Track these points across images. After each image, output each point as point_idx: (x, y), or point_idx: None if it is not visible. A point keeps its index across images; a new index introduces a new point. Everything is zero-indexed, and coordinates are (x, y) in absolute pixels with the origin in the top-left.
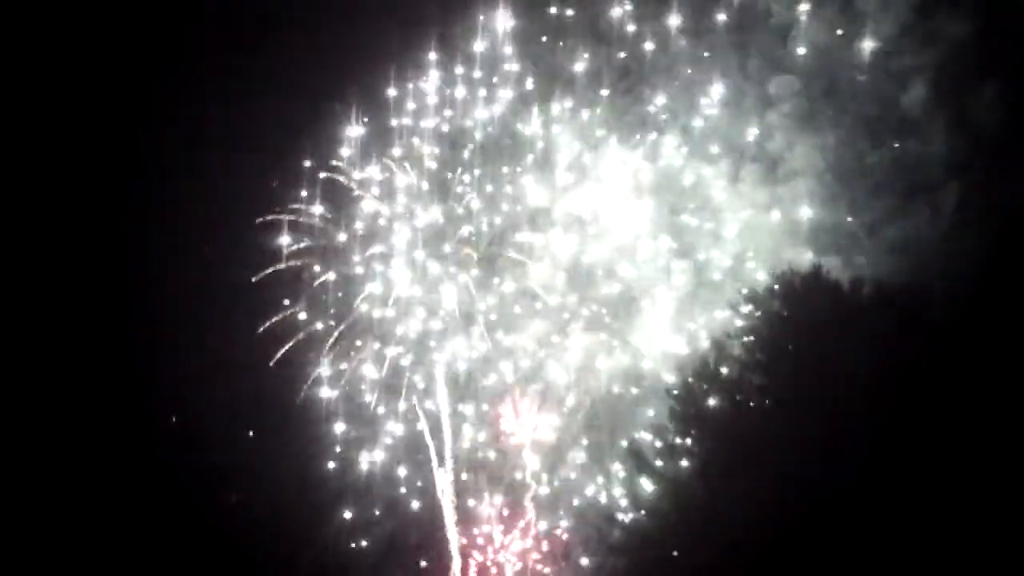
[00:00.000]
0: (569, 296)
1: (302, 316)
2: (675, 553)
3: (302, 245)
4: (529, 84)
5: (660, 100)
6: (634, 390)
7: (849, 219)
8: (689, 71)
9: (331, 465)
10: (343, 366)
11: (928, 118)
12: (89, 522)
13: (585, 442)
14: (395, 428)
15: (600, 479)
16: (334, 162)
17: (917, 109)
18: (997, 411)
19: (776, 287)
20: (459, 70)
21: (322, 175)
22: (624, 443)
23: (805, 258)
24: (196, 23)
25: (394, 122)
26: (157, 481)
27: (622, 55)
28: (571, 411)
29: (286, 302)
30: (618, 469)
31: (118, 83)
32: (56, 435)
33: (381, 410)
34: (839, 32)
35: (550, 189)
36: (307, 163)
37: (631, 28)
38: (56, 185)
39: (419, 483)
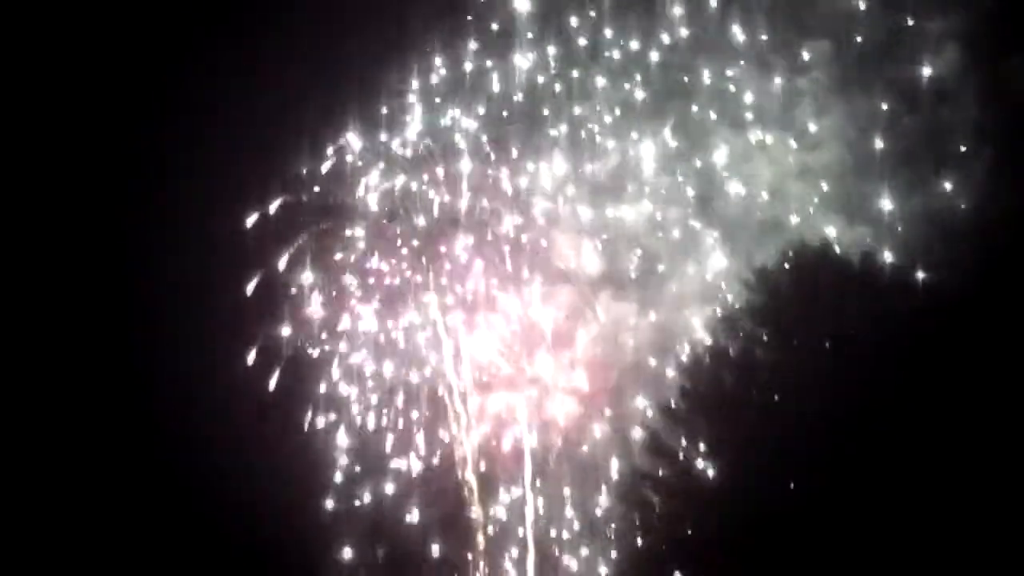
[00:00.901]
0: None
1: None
2: (688, 532)
3: (299, 245)
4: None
5: (688, 68)
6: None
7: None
8: (718, 38)
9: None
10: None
11: (959, 86)
12: (84, 523)
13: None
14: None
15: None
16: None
17: (948, 76)
18: (1013, 390)
19: (785, 264)
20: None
21: (325, 168)
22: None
23: (829, 228)
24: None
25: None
26: (154, 484)
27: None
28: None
29: (286, 332)
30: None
31: (118, 82)
32: (53, 436)
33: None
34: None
35: (577, 159)
36: (304, 169)
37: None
38: (58, 183)
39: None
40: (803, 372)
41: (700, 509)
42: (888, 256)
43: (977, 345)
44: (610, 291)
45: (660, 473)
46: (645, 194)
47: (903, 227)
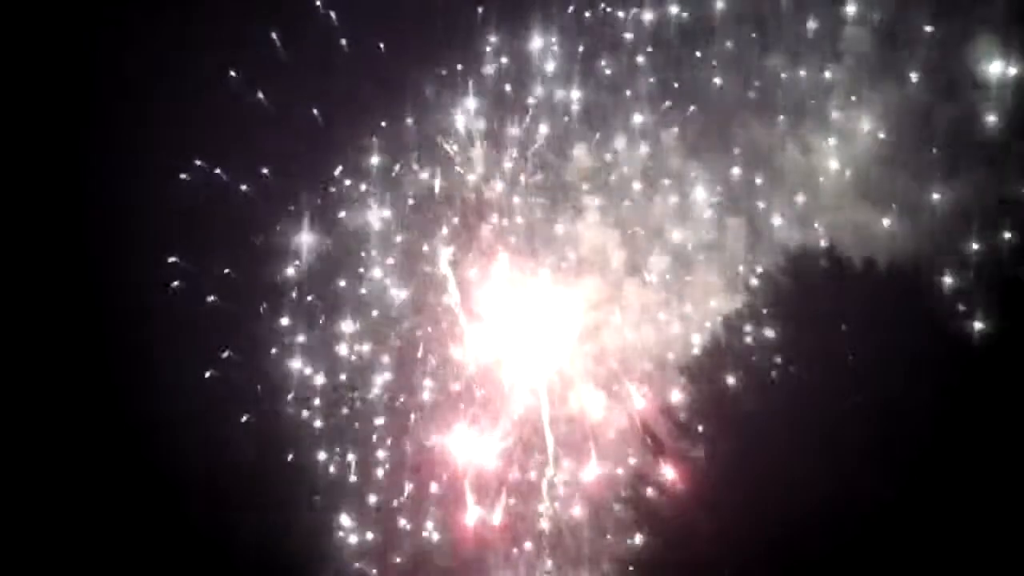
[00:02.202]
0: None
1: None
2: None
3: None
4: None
5: (715, 57)
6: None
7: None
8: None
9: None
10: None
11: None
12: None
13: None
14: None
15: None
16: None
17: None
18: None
19: (786, 266)
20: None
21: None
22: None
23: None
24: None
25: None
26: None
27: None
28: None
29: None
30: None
31: (137, 82)
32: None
33: None
34: None
35: (603, 151)
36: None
37: None
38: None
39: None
40: (803, 375)
41: (703, 509)
42: (898, 257)
43: (990, 347)
44: (633, 284)
45: (663, 473)
46: (669, 187)
47: (926, 224)
